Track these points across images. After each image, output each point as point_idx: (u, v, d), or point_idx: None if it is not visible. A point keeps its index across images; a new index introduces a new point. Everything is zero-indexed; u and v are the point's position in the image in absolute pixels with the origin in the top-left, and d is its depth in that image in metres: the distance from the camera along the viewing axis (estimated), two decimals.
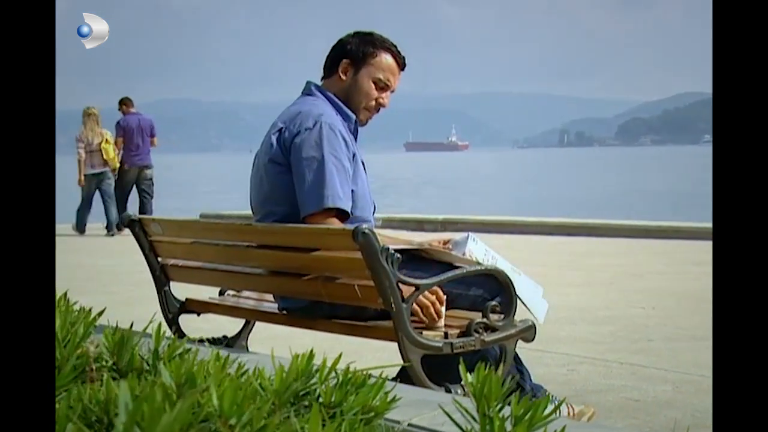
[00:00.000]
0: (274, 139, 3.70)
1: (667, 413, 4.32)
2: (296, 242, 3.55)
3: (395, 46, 3.85)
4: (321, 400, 1.84)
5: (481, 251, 3.81)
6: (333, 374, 1.94)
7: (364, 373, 1.95)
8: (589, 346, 5.84)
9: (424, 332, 3.37)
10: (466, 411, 1.71)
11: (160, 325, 2.21)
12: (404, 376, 3.48)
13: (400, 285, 3.28)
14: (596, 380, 4.96)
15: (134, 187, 15.62)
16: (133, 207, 15.45)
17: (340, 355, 1.94)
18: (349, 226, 3.28)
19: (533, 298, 3.76)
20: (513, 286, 3.51)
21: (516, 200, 36.60)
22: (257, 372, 1.78)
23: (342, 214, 3.61)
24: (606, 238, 13.25)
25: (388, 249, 3.24)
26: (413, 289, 3.32)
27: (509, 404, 1.71)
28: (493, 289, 3.60)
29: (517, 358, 3.92)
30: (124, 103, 15.68)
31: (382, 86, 3.83)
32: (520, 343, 5.78)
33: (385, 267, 3.22)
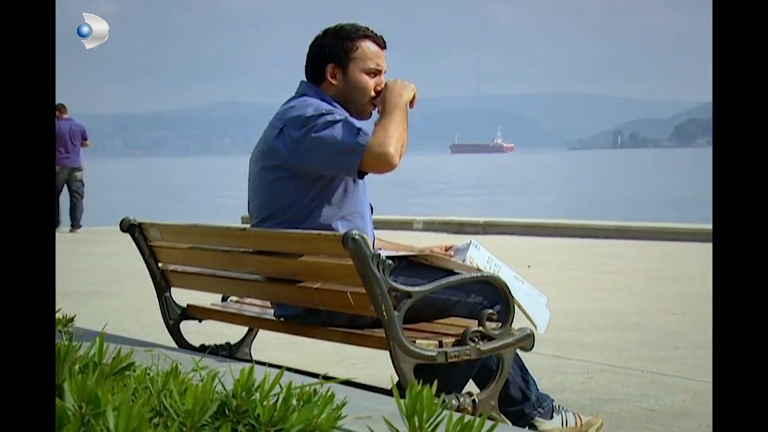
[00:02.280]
0: (274, 140, 3.61)
1: (681, 424, 4.19)
2: (288, 248, 3.48)
3: (369, 30, 3.77)
4: (260, 418, 1.76)
5: (483, 258, 3.71)
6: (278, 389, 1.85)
7: (311, 387, 1.87)
8: (613, 353, 5.71)
9: (418, 341, 3.28)
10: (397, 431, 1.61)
11: (102, 336, 2.14)
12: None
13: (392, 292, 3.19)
14: (614, 389, 4.83)
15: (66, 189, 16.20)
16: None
17: (282, 370, 1.86)
18: (340, 232, 3.20)
19: (535, 308, 3.65)
20: (510, 294, 3.41)
21: (565, 202, 36.31)
22: (167, 390, 1.70)
23: None
24: (650, 241, 13.05)
25: (379, 255, 3.15)
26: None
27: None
28: (493, 297, 3.50)
29: (522, 367, 3.82)
30: (58, 109, 16.20)
31: (374, 73, 3.74)
32: (536, 349, 5.71)
33: (376, 274, 3.13)
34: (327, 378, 3.92)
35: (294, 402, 1.80)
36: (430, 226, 15.81)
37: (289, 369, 4.07)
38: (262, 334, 4.34)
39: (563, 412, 3.85)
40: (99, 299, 8.05)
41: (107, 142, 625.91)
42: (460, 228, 15.49)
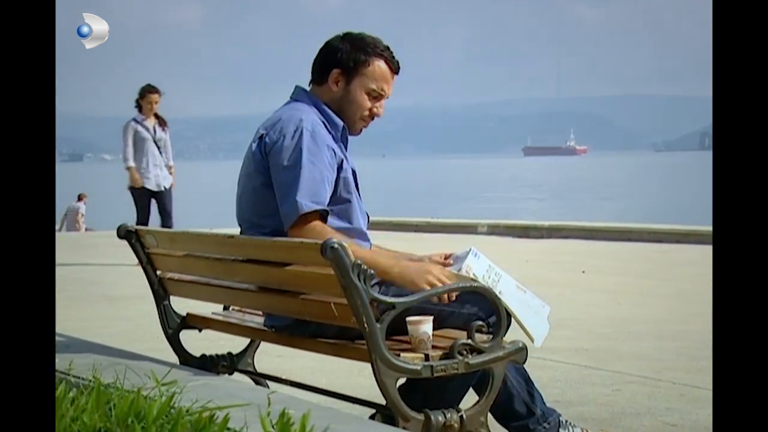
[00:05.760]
0: (255, 147, 3.52)
1: None
2: (274, 256, 3.37)
3: (388, 49, 3.61)
4: None
5: (483, 267, 3.55)
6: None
7: (211, 412, 1.75)
8: (647, 363, 5.50)
9: (402, 354, 3.14)
10: None
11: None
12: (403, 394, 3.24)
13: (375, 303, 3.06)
14: (639, 401, 4.64)
15: None
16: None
17: (173, 395, 1.74)
18: (319, 240, 3.07)
19: (533, 319, 3.47)
20: (500, 305, 3.24)
21: (639, 205, 35.77)
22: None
23: (323, 215, 3.40)
24: None
25: (360, 265, 3.02)
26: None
27: None
28: (488, 308, 3.34)
29: (528, 380, 3.65)
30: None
31: (376, 96, 3.61)
32: (568, 359, 5.55)
33: (357, 284, 3.00)
34: (299, 385, 3.81)
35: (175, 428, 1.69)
36: (495, 230, 15.60)
37: (280, 380, 3.97)
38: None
39: (570, 427, 3.68)
40: (142, 304, 8.02)
41: (191, 145, 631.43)
42: (524, 232, 15.27)
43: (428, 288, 3.25)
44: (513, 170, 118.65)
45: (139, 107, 11.30)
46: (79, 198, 24.33)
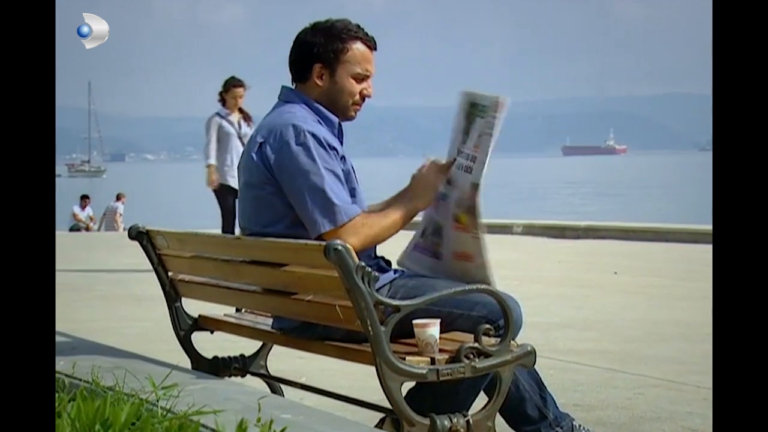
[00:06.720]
0: (254, 155, 3.46)
1: None
2: (279, 258, 3.32)
3: (360, 29, 3.55)
4: None
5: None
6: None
7: (183, 419, 1.71)
8: (672, 366, 5.41)
9: (408, 357, 3.09)
10: None
11: None
12: (408, 399, 3.20)
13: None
14: (661, 406, 4.55)
15: None
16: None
17: (142, 402, 1.70)
18: (322, 242, 3.03)
19: None
20: (508, 307, 3.17)
21: (676, 205, 35.46)
22: None
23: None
24: None
25: (364, 267, 2.97)
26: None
27: None
28: (497, 311, 3.27)
29: (540, 384, 3.59)
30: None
31: (362, 78, 3.56)
32: (592, 362, 5.48)
33: (361, 287, 2.95)
34: (310, 388, 3.76)
35: None
36: (531, 230, 15.52)
37: (292, 383, 3.94)
38: None
39: None
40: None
41: None
42: (560, 232, 15.18)
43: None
44: (552, 170, 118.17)
45: (222, 101, 10.50)
46: (118, 198, 24.52)
